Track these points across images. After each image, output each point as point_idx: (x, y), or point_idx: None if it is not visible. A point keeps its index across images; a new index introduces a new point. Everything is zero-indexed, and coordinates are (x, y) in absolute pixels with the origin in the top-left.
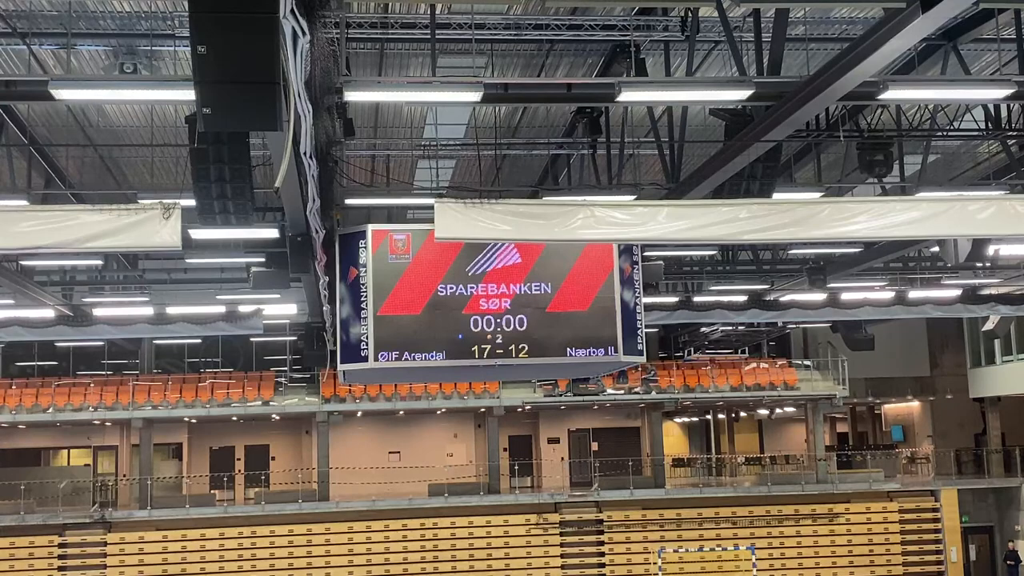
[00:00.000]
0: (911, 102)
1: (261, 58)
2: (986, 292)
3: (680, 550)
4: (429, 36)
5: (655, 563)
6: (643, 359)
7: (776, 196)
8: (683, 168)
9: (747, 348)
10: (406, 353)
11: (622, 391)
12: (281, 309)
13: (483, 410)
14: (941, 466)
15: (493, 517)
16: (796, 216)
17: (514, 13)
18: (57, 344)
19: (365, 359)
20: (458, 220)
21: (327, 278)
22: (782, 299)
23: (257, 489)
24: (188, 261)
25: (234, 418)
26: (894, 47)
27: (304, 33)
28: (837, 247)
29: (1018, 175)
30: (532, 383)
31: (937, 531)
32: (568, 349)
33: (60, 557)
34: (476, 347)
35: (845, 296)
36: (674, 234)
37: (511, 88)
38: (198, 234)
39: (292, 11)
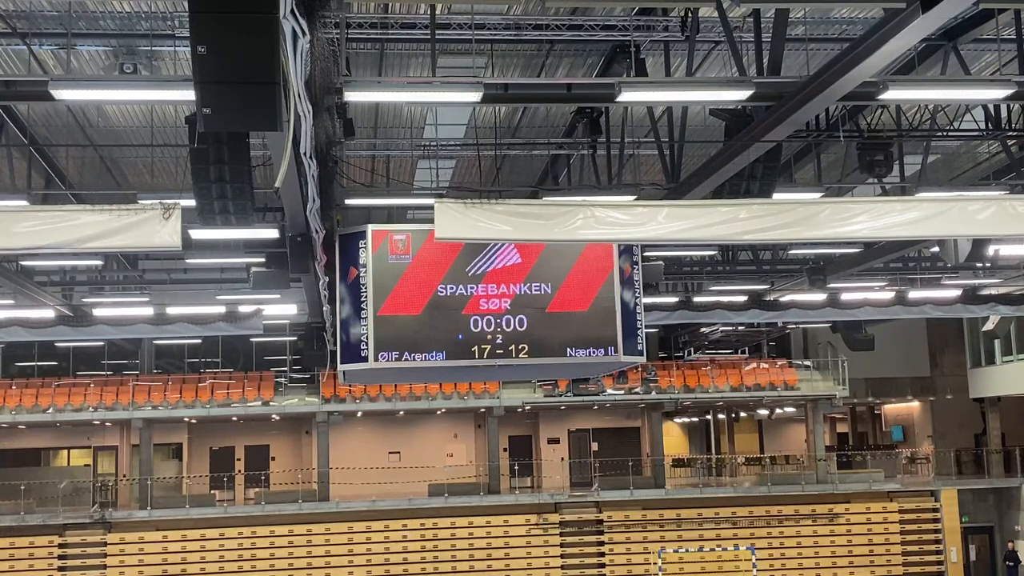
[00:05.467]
0: (911, 102)
1: (261, 58)
2: (986, 292)
3: (680, 550)
4: (429, 36)
5: (655, 563)
6: (643, 359)
7: (776, 196)
8: (683, 168)
9: (747, 348)
10: (406, 353)
11: (622, 391)
12: (281, 309)
13: (483, 410)
14: (941, 466)
15: (493, 517)
16: (796, 216)
17: (514, 13)
18: (57, 344)
19: (365, 359)
20: (458, 220)
21: (327, 278)
22: (782, 299)
23: (257, 489)
24: (188, 261)
25: (234, 418)
26: (894, 47)
27: (304, 33)
28: (837, 247)
29: (1018, 175)
30: (532, 383)
31: (937, 531)
32: (568, 349)
33: (60, 557)
34: (476, 347)
35: (845, 296)
36: (674, 234)
37: (511, 88)
38: (198, 234)
39: (292, 11)
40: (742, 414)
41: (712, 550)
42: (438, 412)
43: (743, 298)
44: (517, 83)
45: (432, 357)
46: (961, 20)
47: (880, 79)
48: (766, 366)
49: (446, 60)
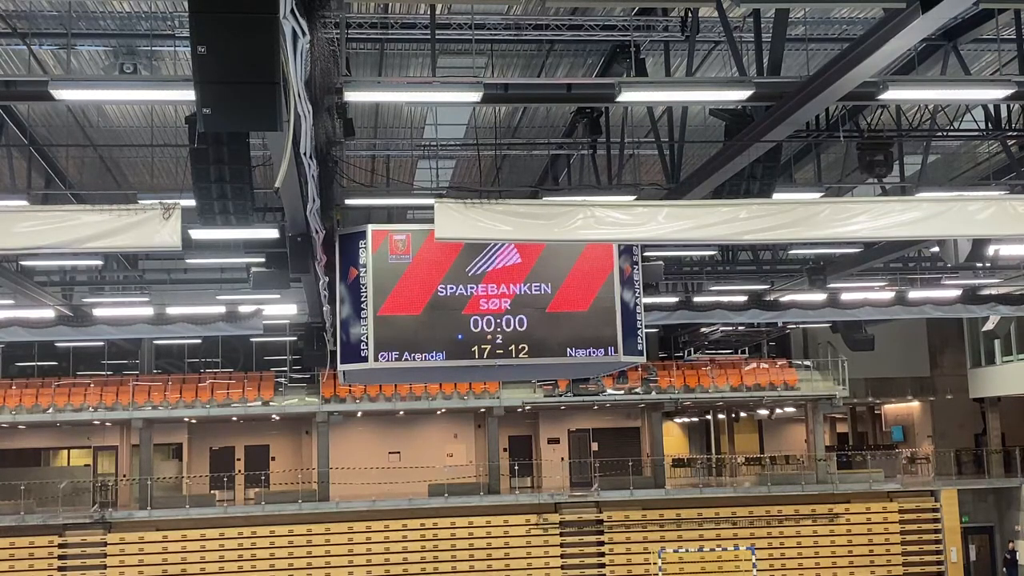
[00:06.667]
0: (911, 102)
1: (261, 58)
2: (986, 292)
3: (680, 550)
4: (429, 36)
5: (655, 563)
6: (643, 359)
7: (776, 196)
8: (683, 168)
9: (747, 348)
10: (406, 353)
11: (622, 391)
12: (281, 309)
13: (483, 410)
14: (941, 466)
15: (493, 517)
16: (796, 216)
17: (514, 13)
18: (57, 344)
19: (365, 359)
20: (458, 220)
21: (327, 278)
22: (782, 299)
23: (257, 489)
24: (188, 261)
25: (234, 418)
26: (894, 47)
27: (304, 33)
28: (837, 247)
29: (1018, 175)
30: (532, 383)
31: (937, 531)
32: (568, 349)
33: (60, 557)
34: (476, 347)
35: (845, 296)
36: (674, 234)
37: (511, 88)
38: (198, 234)
39: (292, 11)
40: (742, 414)
41: (712, 550)
42: (438, 412)
43: (743, 298)
44: (517, 83)
45: (432, 357)
46: (961, 20)
47: (880, 79)
48: (766, 366)
49: (446, 60)
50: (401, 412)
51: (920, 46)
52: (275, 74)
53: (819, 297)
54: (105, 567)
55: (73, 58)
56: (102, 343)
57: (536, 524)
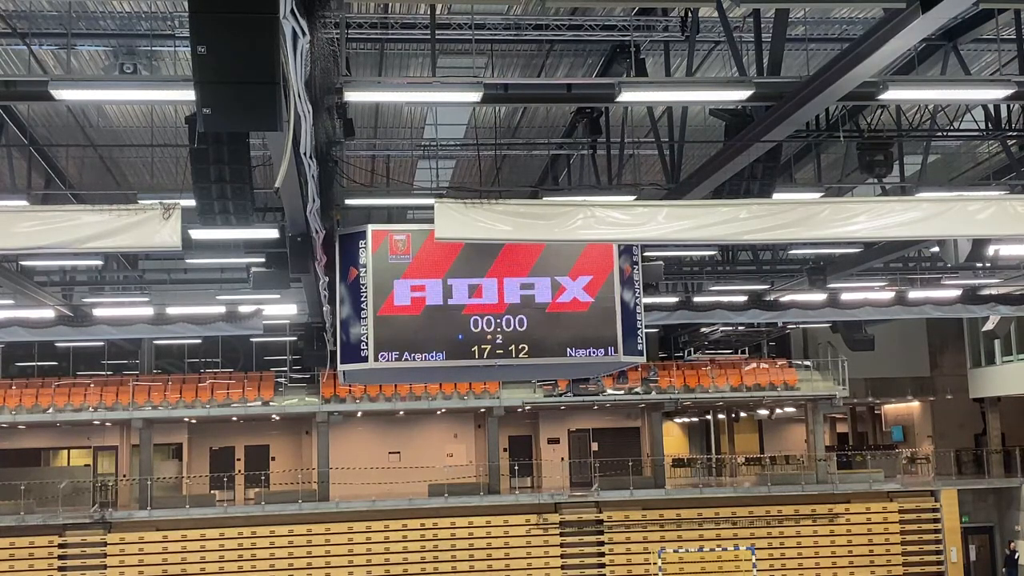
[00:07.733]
0: (911, 102)
1: (261, 58)
2: (986, 292)
3: (680, 550)
4: (429, 36)
5: (655, 563)
6: (643, 359)
7: (776, 196)
8: (683, 168)
9: (747, 348)
10: (406, 353)
11: (622, 391)
12: (281, 309)
13: (483, 410)
14: (941, 466)
15: (493, 517)
16: (796, 216)
17: (514, 13)
18: (57, 344)
19: (365, 359)
20: (458, 220)
21: (327, 278)
22: (782, 299)
23: (257, 489)
24: (188, 261)
25: (234, 418)
26: (894, 47)
27: (304, 33)
28: (837, 247)
29: (1018, 175)
30: (532, 383)
31: (937, 531)
32: (568, 349)
33: (60, 557)
34: (476, 347)
35: (845, 296)
36: (674, 234)
37: (511, 88)
38: (198, 234)
39: (292, 11)
40: (742, 414)
41: (712, 550)
42: (438, 412)
43: (743, 298)
44: (517, 83)
45: (432, 357)
46: (961, 20)
47: (880, 79)
48: (766, 366)
49: (446, 60)
50: (401, 412)
51: (920, 46)
52: (275, 74)
53: (819, 297)
54: (105, 567)
55: (73, 58)
56: (102, 343)
57: (536, 524)
